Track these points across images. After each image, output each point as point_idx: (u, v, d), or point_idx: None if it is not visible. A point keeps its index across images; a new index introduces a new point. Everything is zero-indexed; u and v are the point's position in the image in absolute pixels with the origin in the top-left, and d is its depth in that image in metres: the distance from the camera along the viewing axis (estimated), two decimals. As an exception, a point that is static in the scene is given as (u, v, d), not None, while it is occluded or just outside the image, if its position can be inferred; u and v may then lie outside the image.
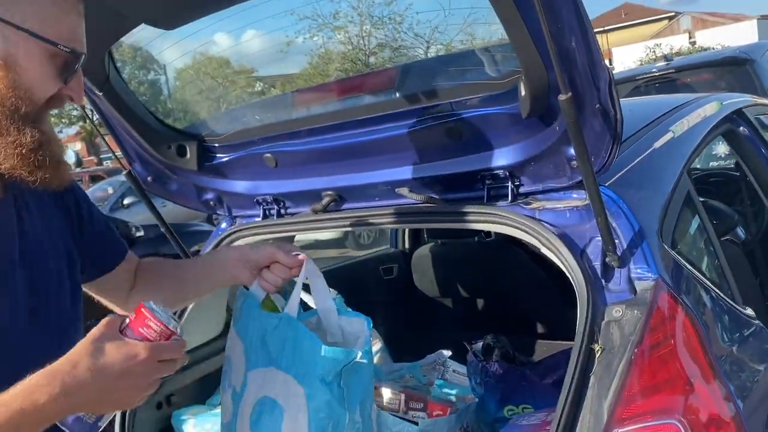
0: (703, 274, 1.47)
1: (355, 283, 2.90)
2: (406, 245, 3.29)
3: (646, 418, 1.09)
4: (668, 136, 1.70)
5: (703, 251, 1.61)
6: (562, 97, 1.12)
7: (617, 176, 1.50)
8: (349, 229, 1.83)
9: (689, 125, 1.91)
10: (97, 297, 1.28)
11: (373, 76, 1.74)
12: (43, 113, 0.94)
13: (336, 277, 2.77)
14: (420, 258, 3.05)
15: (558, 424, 1.14)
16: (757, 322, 1.48)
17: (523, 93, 1.28)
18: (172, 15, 1.53)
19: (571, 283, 1.32)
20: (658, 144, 1.65)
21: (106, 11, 1.46)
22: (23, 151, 0.91)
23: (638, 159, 1.59)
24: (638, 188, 1.48)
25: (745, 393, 1.28)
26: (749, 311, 1.48)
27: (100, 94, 1.79)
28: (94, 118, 1.94)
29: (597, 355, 1.21)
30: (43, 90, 0.93)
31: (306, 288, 1.31)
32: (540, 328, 2.78)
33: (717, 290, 1.47)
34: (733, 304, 1.46)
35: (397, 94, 1.61)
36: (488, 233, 2.90)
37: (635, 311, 1.22)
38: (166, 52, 1.88)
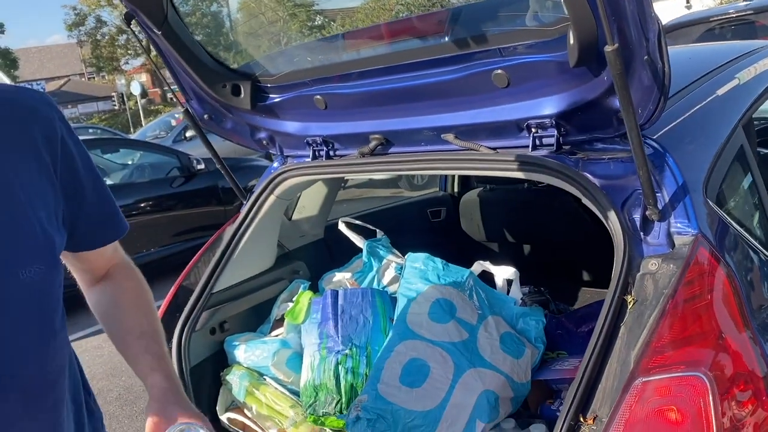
0: (751, 233, 1.44)
1: (402, 225, 2.94)
2: (455, 189, 3.30)
3: (672, 369, 1.11)
4: (730, 85, 1.64)
5: (754, 209, 1.58)
6: (608, 48, 1.11)
7: (667, 128, 1.47)
8: (395, 173, 1.86)
9: (756, 73, 1.83)
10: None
11: (424, 19, 1.73)
12: None
13: (384, 218, 2.84)
14: (468, 202, 3.07)
15: (585, 370, 1.17)
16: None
17: (571, 41, 1.26)
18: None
19: (616, 234, 1.32)
20: (715, 94, 1.60)
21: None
22: None
23: (692, 110, 1.55)
24: (688, 141, 1.46)
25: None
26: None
27: (159, 32, 1.84)
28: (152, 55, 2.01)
29: (629, 306, 1.23)
30: None
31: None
32: (585, 276, 2.79)
33: (764, 250, 1.45)
34: (778, 262, 1.44)
35: (447, 38, 1.61)
36: (538, 180, 2.89)
37: (671, 265, 1.23)
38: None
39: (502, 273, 1.88)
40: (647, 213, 1.30)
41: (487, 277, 1.92)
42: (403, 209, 3.21)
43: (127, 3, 1.75)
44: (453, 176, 3.33)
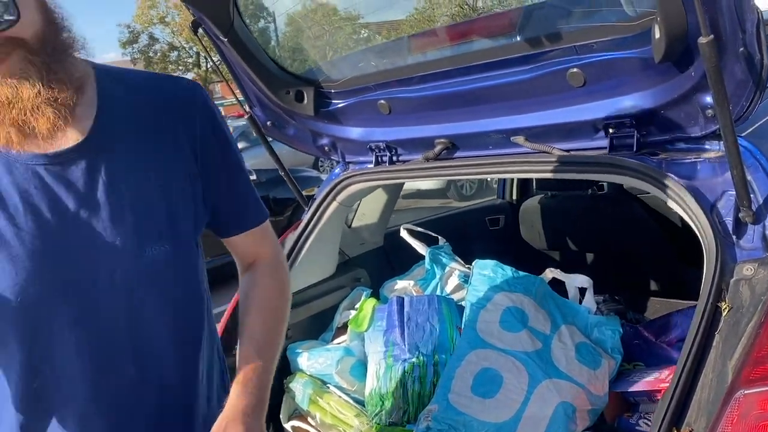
0: None
1: (460, 232, 2.89)
2: (514, 197, 3.24)
3: (776, 380, 1.04)
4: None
5: None
6: (702, 39, 1.05)
7: (756, 125, 1.40)
8: (461, 177, 1.82)
9: None
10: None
11: (494, 19, 1.70)
12: None
13: (442, 226, 2.79)
14: (528, 209, 3.00)
15: (678, 380, 1.11)
16: None
17: (657, 35, 1.21)
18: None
19: (691, 241, 1.26)
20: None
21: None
22: None
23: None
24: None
25: None
26: None
27: (225, 39, 1.85)
28: (211, 64, 2.02)
29: (723, 314, 1.16)
30: None
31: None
32: (653, 286, 2.68)
33: None
34: None
35: (519, 37, 1.56)
36: (601, 186, 2.80)
37: (766, 269, 1.15)
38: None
39: (575, 281, 1.81)
40: (740, 215, 1.23)
41: (557, 286, 1.85)
42: (461, 217, 3.16)
43: (194, 11, 1.77)
44: (512, 183, 3.27)
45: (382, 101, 1.87)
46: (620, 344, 1.61)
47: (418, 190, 8.37)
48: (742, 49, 1.11)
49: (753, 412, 1.03)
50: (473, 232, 3.06)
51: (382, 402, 1.71)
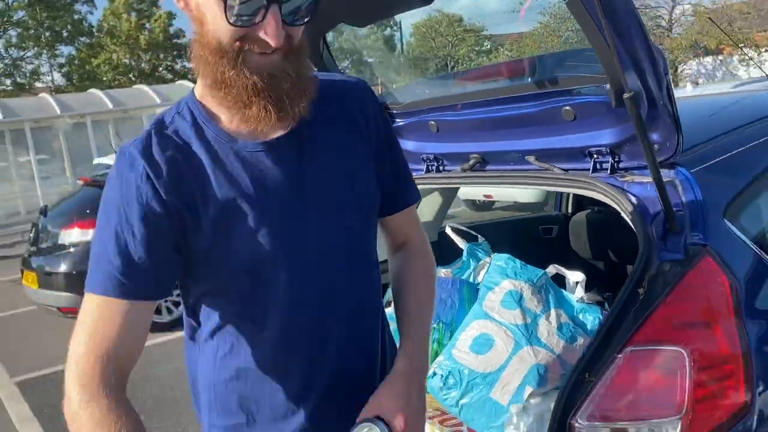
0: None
1: (515, 238, 3.31)
2: (569, 210, 3.60)
3: (655, 342, 1.43)
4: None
5: None
6: (626, 95, 1.46)
7: (710, 162, 1.76)
8: (489, 185, 2.27)
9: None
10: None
11: (513, 64, 2.14)
12: (247, 56, 0.99)
13: (499, 231, 3.23)
14: (577, 222, 3.36)
15: (595, 339, 1.51)
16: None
17: (608, 87, 1.62)
18: (364, 17, 2.08)
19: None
20: (764, 138, 1.85)
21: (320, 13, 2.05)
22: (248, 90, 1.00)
23: (738, 149, 1.82)
24: (721, 173, 1.73)
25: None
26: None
27: (316, 69, 2.41)
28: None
29: (640, 297, 1.55)
30: (223, 34, 0.98)
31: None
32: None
33: None
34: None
35: (530, 80, 2.00)
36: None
37: (679, 267, 1.53)
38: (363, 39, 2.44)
39: (573, 276, 2.20)
40: (667, 227, 1.61)
41: (561, 279, 2.26)
42: (519, 224, 3.57)
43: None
44: (567, 198, 3.63)
45: (432, 122, 2.36)
46: (597, 327, 1.99)
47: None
48: (662, 102, 1.51)
49: (636, 364, 1.44)
50: (527, 239, 3.45)
51: (409, 357, 2.19)
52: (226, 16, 0.96)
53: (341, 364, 1.17)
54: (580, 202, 3.57)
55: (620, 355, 1.44)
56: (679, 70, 22.12)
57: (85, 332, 0.99)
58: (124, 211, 1.01)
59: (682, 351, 1.41)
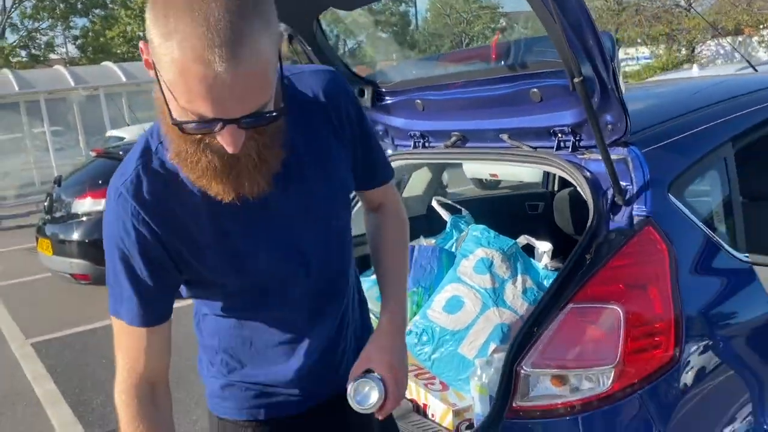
0: (708, 223, 1.85)
1: (501, 212, 3.48)
2: (556, 187, 3.76)
3: (595, 301, 1.61)
4: (728, 116, 2.03)
5: (719, 206, 1.96)
6: (575, 79, 1.63)
7: (661, 143, 1.92)
8: (467, 161, 2.44)
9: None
10: None
11: (489, 49, 2.30)
12: (210, 139, 0.96)
13: (486, 206, 3.40)
14: (560, 199, 3.52)
15: (544, 298, 1.70)
16: (747, 263, 1.84)
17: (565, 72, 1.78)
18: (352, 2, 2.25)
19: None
20: (713, 122, 2.01)
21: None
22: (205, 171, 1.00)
23: (690, 131, 1.98)
24: (669, 151, 1.89)
25: (700, 315, 1.70)
26: (743, 255, 1.84)
27: (310, 48, 2.58)
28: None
29: (587, 262, 1.73)
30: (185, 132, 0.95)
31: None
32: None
33: (714, 236, 1.84)
34: (727, 247, 1.83)
35: (503, 63, 2.16)
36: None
37: (621, 236, 1.71)
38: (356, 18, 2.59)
39: (541, 246, 2.39)
40: (615, 199, 1.78)
41: (531, 249, 2.45)
42: (505, 200, 3.75)
43: (286, 27, 2.51)
44: (554, 176, 3.79)
45: (418, 101, 2.53)
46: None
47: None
48: (611, 86, 1.68)
49: (575, 318, 1.62)
50: (513, 214, 3.63)
51: (390, 317, 2.39)
52: (181, 128, 0.93)
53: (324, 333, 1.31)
54: (565, 180, 3.72)
55: (563, 311, 1.62)
56: (696, 51, 21.99)
57: (121, 355, 1.15)
58: (128, 251, 1.08)
59: (618, 309, 1.59)
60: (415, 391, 2.13)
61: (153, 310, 1.13)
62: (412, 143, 2.69)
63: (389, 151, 2.87)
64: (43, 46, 27.15)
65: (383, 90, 2.65)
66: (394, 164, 2.78)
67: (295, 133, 1.13)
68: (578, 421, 1.61)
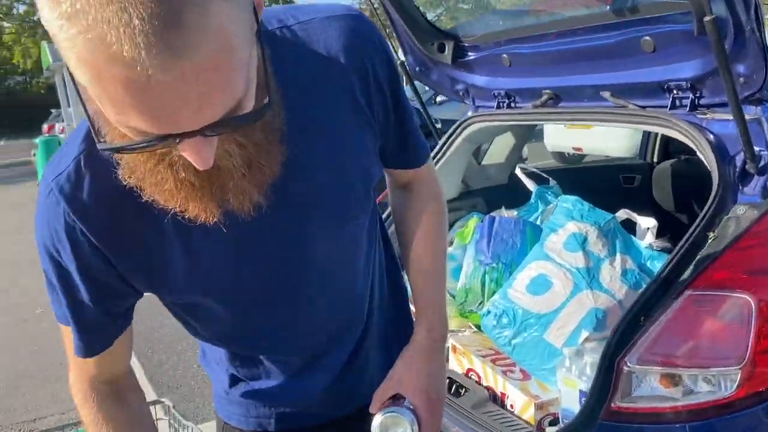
0: None
1: (592, 185, 3.16)
2: (655, 158, 3.39)
3: (719, 287, 1.33)
4: None
5: None
6: (706, 18, 1.33)
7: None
8: (561, 123, 2.16)
9: None
10: None
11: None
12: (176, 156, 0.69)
13: (575, 176, 3.09)
14: (661, 172, 3.17)
15: (656, 281, 1.43)
16: None
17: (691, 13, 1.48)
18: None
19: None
20: None
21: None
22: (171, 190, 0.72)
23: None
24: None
25: None
26: None
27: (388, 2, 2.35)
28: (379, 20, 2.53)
29: (709, 241, 1.44)
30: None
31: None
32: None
33: None
34: None
35: (608, 8, 1.86)
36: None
37: (755, 211, 1.41)
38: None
39: (644, 222, 2.09)
40: (747, 167, 1.48)
41: (633, 226, 2.15)
42: (597, 171, 3.41)
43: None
44: (653, 146, 3.42)
45: (505, 56, 2.26)
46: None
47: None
48: (750, 28, 1.36)
49: (694, 307, 1.35)
50: (605, 187, 3.29)
51: (467, 295, 2.16)
52: (120, 152, 0.66)
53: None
54: (667, 150, 3.35)
55: (678, 299, 1.35)
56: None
57: (69, 355, 0.92)
58: (65, 265, 0.81)
59: (748, 298, 1.31)
60: (492, 378, 1.90)
61: (98, 339, 0.88)
62: (495, 103, 2.42)
63: (469, 113, 2.61)
64: None
65: (466, 44, 2.39)
66: (473, 127, 2.54)
67: (297, 113, 0.81)
68: (687, 430, 1.35)
